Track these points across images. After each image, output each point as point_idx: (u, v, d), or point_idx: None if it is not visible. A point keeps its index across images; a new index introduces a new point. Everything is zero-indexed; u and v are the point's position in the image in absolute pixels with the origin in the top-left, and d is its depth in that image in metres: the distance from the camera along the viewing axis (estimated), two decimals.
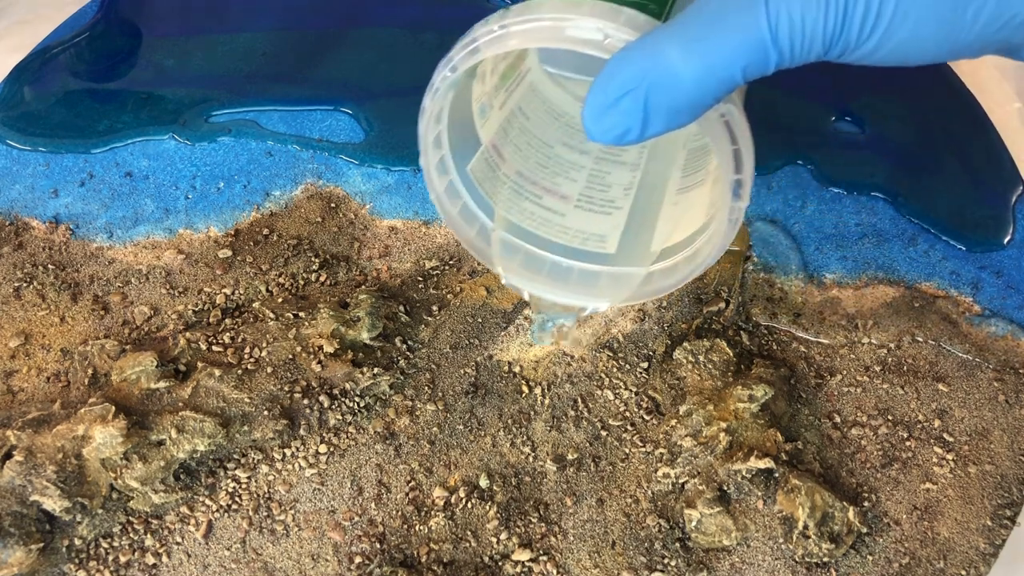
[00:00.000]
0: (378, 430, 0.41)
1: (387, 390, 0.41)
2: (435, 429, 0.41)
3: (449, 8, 0.52)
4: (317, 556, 0.38)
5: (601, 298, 0.36)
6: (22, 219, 0.46)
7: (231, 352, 0.40)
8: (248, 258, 0.45)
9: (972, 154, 0.48)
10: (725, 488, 0.39)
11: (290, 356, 0.40)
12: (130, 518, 0.38)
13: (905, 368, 0.43)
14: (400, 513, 0.39)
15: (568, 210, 0.36)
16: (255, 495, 0.39)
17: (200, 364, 0.39)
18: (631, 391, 0.42)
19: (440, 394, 0.42)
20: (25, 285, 0.43)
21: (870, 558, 0.39)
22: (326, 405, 0.40)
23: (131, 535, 0.38)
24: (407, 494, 0.39)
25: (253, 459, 0.39)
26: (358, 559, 0.38)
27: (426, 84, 0.31)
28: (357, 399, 0.40)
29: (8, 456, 0.36)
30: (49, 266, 0.44)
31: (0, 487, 0.36)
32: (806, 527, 0.38)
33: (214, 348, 0.40)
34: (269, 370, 0.40)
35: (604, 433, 0.41)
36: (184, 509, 0.38)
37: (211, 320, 0.42)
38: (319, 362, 0.40)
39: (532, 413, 0.42)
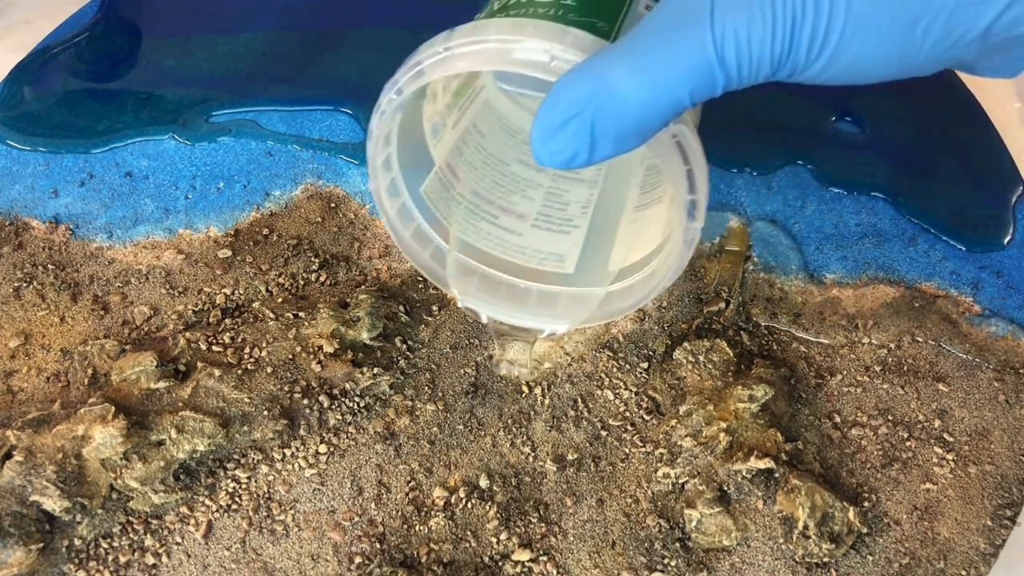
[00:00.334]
0: (378, 430, 0.41)
1: (387, 390, 0.41)
2: (435, 429, 0.41)
3: (449, 8, 0.52)
4: (317, 556, 0.38)
5: (560, 320, 0.35)
6: (22, 219, 0.46)
7: (231, 352, 0.40)
8: (248, 258, 0.45)
9: (972, 154, 0.48)
10: (725, 488, 0.39)
11: (290, 356, 0.40)
12: (130, 518, 0.38)
13: (905, 368, 0.43)
14: (400, 513, 0.39)
15: (525, 229, 0.35)
16: (255, 495, 0.39)
17: (200, 364, 0.39)
18: (631, 391, 0.42)
19: (440, 394, 0.42)
20: (25, 285, 0.43)
21: (870, 558, 0.39)
22: (326, 405, 0.40)
23: (131, 535, 0.38)
24: (407, 494, 0.39)
25: (253, 459, 0.39)
26: (358, 559, 0.38)
27: None
28: (357, 399, 0.40)
29: (8, 456, 0.36)
30: (49, 266, 0.44)
31: (0, 487, 0.36)
32: (806, 527, 0.38)
33: (214, 348, 0.40)
34: (269, 370, 0.40)
35: (604, 433, 0.41)
36: (184, 509, 0.38)
37: (211, 320, 0.42)
38: (319, 362, 0.40)
39: (532, 413, 0.42)
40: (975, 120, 0.49)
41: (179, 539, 0.38)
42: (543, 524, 0.39)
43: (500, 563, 0.38)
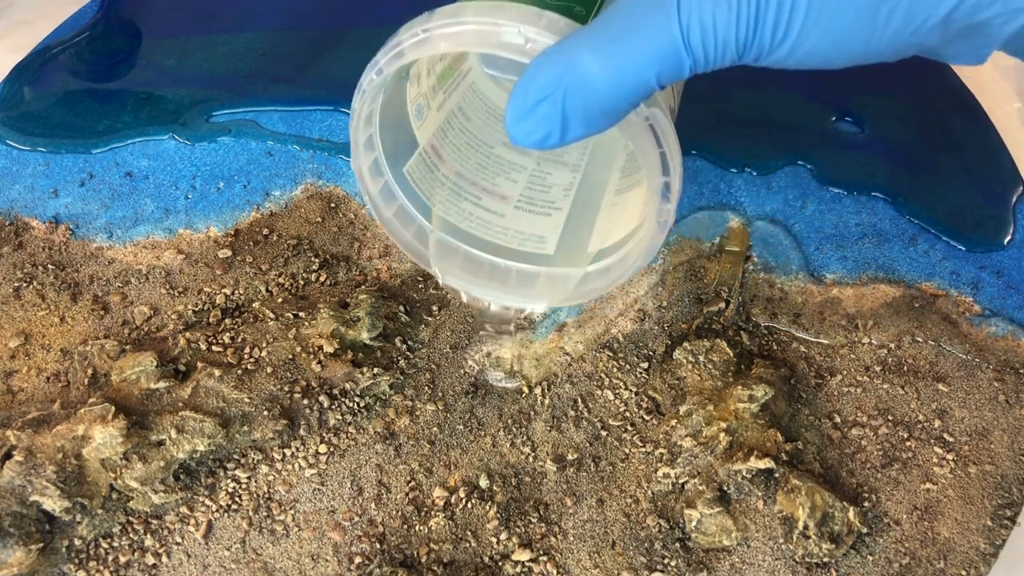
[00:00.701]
0: (378, 430, 0.41)
1: (387, 390, 0.41)
2: (435, 429, 0.41)
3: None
4: (317, 556, 0.38)
5: (539, 299, 0.36)
6: (22, 219, 0.46)
7: (231, 352, 0.40)
8: (248, 258, 0.45)
9: (972, 154, 0.48)
10: (725, 488, 0.39)
11: (290, 356, 0.40)
12: (130, 518, 0.38)
13: (905, 368, 0.43)
14: (400, 513, 0.39)
15: (508, 211, 0.36)
16: (255, 495, 0.39)
17: (200, 364, 0.39)
18: (631, 391, 0.42)
19: (440, 394, 0.42)
20: (25, 285, 0.43)
21: (870, 558, 0.39)
22: (326, 405, 0.40)
23: (131, 535, 0.38)
24: (407, 494, 0.39)
25: (253, 459, 0.39)
26: (358, 559, 0.38)
27: None
28: (357, 399, 0.40)
29: (8, 456, 0.36)
30: (49, 266, 0.44)
31: (0, 487, 0.36)
32: (806, 527, 0.38)
33: (214, 348, 0.40)
34: (269, 370, 0.40)
35: (604, 433, 0.41)
36: (184, 509, 0.38)
37: (211, 320, 0.42)
38: (319, 362, 0.40)
39: (532, 413, 0.42)
40: (975, 120, 0.49)
41: (179, 539, 0.38)
42: (543, 524, 0.39)
43: (500, 563, 0.38)
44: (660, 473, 0.40)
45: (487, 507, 0.39)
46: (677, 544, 0.39)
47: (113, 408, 0.37)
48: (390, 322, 0.43)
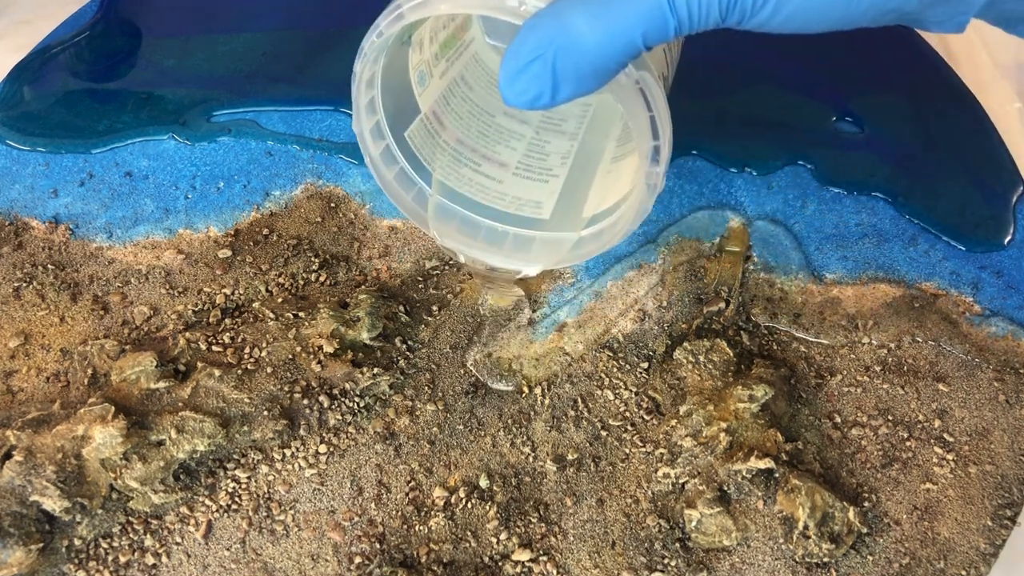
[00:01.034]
0: (378, 430, 0.41)
1: (387, 390, 0.41)
2: (435, 429, 0.41)
3: None
4: (317, 556, 0.38)
5: (534, 262, 0.37)
6: (22, 219, 0.46)
7: (231, 352, 0.40)
8: (248, 258, 0.45)
9: (972, 154, 0.48)
10: (725, 488, 0.39)
11: (290, 356, 0.40)
12: (130, 518, 0.38)
13: (905, 368, 0.43)
14: (400, 513, 0.39)
15: (506, 177, 0.37)
16: (255, 495, 0.39)
17: (200, 364, 0.39)
18: (631, 391, 0.42)
19: (440, 394, 0.42)
20: (25, 285, 0.43)
21: (870, 558, 0.39)
22: (326, 405, 0.40)
23: (131, 535, 0.38)
24: (407, 494, 0.39)
25: (253, 459, 0.39)
26: (358, 559, 0.38)
27: None
28: (357, 399, 0.40)
29: (8, 456, 0.36)
30: (49, 266, 0.44)
31: (0, 487, 0.36)
32: (806, 527, 0.38)
33: (214, 348, 0.40)
34: (269, 370, 0.40)
35: (604, 433, 0.41)
36: (184, 509, 0.38)
37: (211, 320, 0.42)
38: (319, 362, 0.40)
39: (532, 413, 0.42)
40: (975, 120, 0.49)
41: (179, 539, 0.38)
42: (543, 524, 0.39)
43: (500, 563, 0.38)
44: (660, 473, 0.40)
45: (487, 507, 0.39)
46: (677, 544, 0.39)
47: (113, 408, 0.37)
48: (390, 322, 0.43)
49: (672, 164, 0.47)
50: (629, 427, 0.41)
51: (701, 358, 0.42)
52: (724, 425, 0.39)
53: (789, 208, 0.47)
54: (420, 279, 0.45)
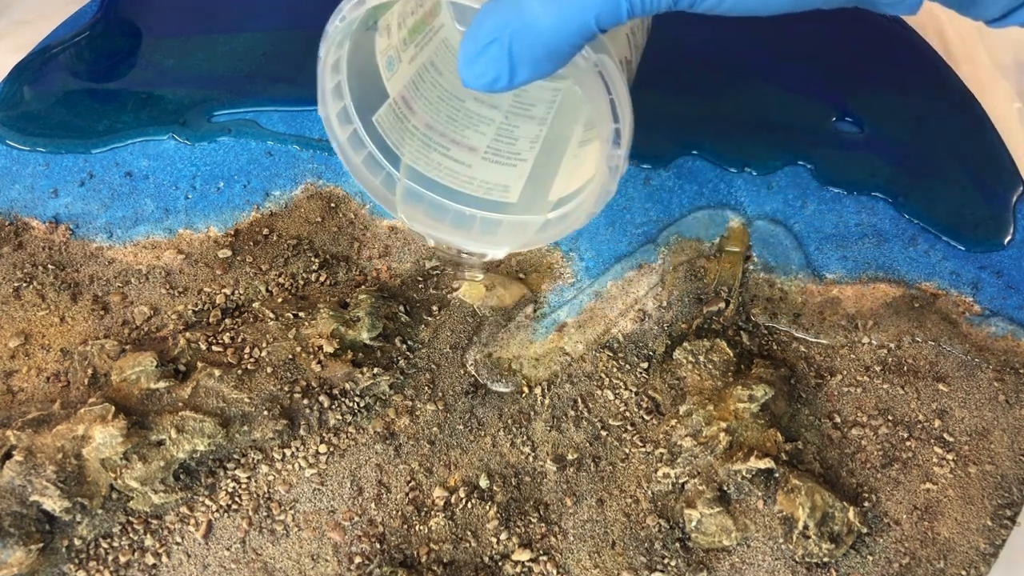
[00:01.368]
0: (378, 430, 0.41)
1: (387, 390, 0.41)
2: (435, 429, 0.41)
3: None
4: (317, 556, 0.38)
5: (501, 245, 0.37)
6: (22, 219, 0.46)
7: (231, 352, 0.40)
8: (248, 258, 0.45)
9: (972, 154, 0.48)
10: (725, 488, 0.39)
11: (290, 356, 0.40)
12: (130, 518, 0.38)
13: (905, 368, 0.43)
14: (400, 513, 0.39)
15: (475, 161, 0.37)
16: (255, 495, 0.39)
17: (200, 364, 0.39)
18: (631, 391, 0.42)
19: (440, 394, 0.42)
20: (25, 285, 0.43)
21: (870, 558, 0.39)
22: (326, 405, 0.40)
23: (131, 535, 0.38)
24: (407, 494, 0.39)
25: (253, 459, 0.39)
26: (358, 559, 0.38)
27: None
28: (357, 399, 0.40)
29: (8, 456, 0.36)
30: (49, 266, 0.44)
31: (0, 487, 0.36)
32: (806, 527, 0.38)
33: (214, 348, 0.40)
34: (269, 370, 0.40)
35: (604, 433, 0.41)
36: (184, 509, 0.38)
37: (211, 320, 0.42)
38: (319, 362, 0.40)
39: (532, 413, 0.42)
40: (975, 120, 0.49)
41: (179, 539, 0.38)
42: (543, 524, 0.39)
43: (500, 563, 0.38)
44: (660, 473, 0.40)
45: (487, 507, 0.39)
46: (677, 544, 0.39)
47: (113, 408, 0.37)
48: (390, 322, 0.43)
49: (672, 164, 0.47)
50: (629, 427, 0.41)
51: (701, 358, 0.42)
52: (724, 425, 0.39)
53: (789, 208, 0.47)
54: (420, 279, 0.45)
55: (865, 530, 0.39)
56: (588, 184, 0.34)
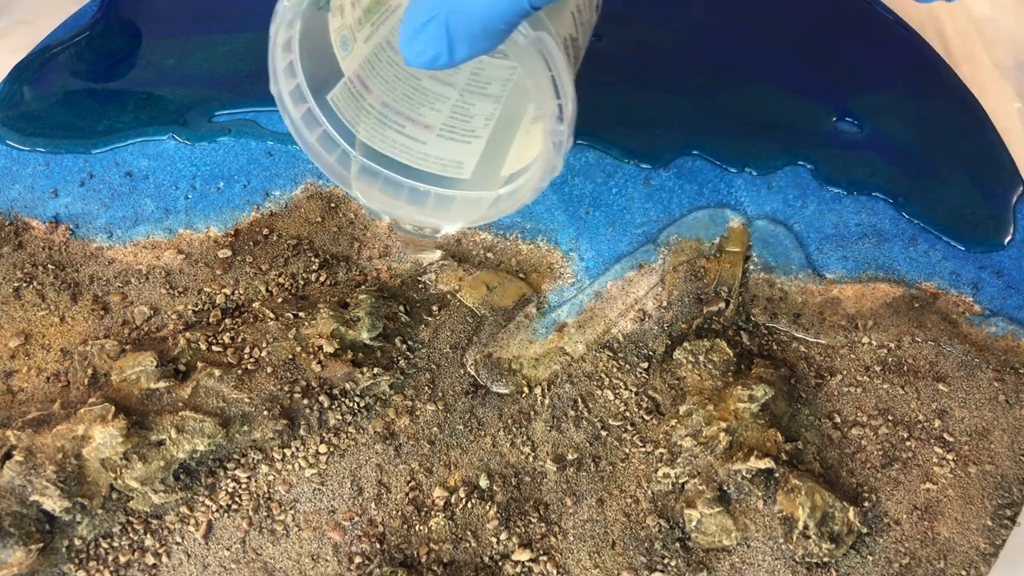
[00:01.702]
0: (378, 430, 0.41)
1: (387, 390, 0.41)
2: (435, 429, 0.41)
3: None
4: (317, 556, 0.38)
5: (455, 220, 0.38)
6: (22, 219, 0.46)
7: (231, 352, 0.40)
8: (248, 258, 0.45)
9: (972, 154, 0.48)
10: (725, 488, 0.39)
11: (290, 356, 0.40)
12: (130, 518, 0.38)
13: (905, 368, 0.43)
14: (400, 513, 0.39)
15: (430, 139, 0.38)
16: (255, 495, 0.39)
17: (200, 364, 0.39)
18: (631, 391, 0.42)
19: (440, 394, 0.42)
20: (25, 285, 0.43)
21: (870, 558, 0.39)
22: (326, 405, 0.40)
23: (131, 535, 0.38)
24: (407, 494, 0.39)
25: (253, 459, 0.39)
26: (358, 559, 0.38)
27: None
28: (357, 399, 0.40)
29: (8, 456, 0.36)
30: (49, 266, 0.44)
31: (0, 487, 0.36)
32: (806, 527, 0.38)
33: (214, 348, 0.40)
34: (269, 370, 0.40)
35: (604, 433, 0.41)
36: (184, 509, 0.38)
37: (211, 320, 0.42)
38: (319, 362, 0.40)
39: (532, 413, 0.42)
40: (975, 120, 0.49)
41: (179, 539, 0.38)
42: (543, 524, 0.39)
43: (500, 563, 0.38)
44: (660, 473, 0.40)
45: (487, 507, 0.39)
46: (677, 544, 0.39)
47: (113, 408, 0.37)
48: (390, 322, 0.43)
49: (672, 164, 0.47)
50: (629, 427, 0.41)
51: (701, 358, 0.42)
52: (724, 425, 0.39)
53: (789, 208, 0.47)
54: (420, 279, 0.45)
55: (865, 530, 0.39)
56: (536, 160, 0.35)
